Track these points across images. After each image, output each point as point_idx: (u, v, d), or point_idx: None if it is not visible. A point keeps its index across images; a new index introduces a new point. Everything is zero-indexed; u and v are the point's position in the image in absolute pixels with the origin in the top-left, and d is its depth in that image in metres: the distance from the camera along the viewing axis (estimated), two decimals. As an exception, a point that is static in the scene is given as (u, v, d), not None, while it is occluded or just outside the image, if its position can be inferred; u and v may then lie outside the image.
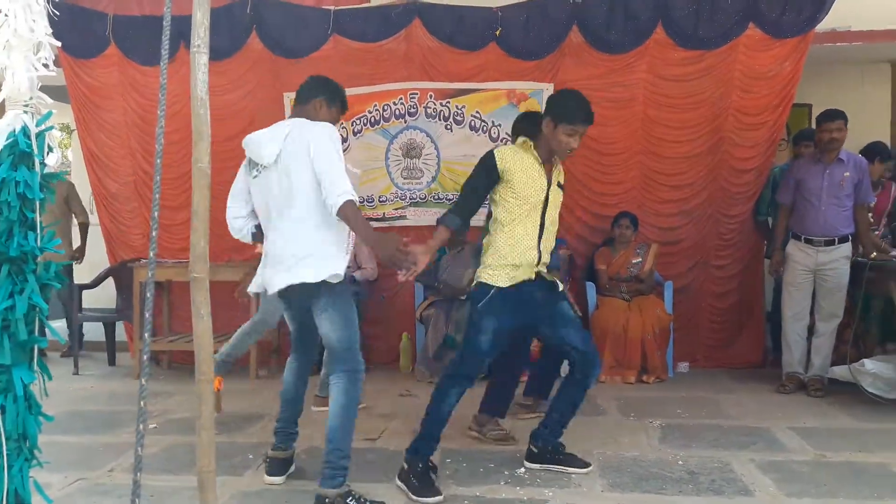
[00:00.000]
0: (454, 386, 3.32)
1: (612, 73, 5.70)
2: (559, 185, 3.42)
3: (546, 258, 3.40)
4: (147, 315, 2.11)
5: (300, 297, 3.19)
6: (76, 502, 3.18)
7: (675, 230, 5.87)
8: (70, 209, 6.54)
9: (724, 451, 3.73)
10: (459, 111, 5.95)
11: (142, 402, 2.00)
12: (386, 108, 6.03)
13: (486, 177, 3.32)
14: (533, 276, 3.35)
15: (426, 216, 6.05)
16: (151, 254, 2.10)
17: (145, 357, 2.12)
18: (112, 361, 6.43)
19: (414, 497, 3.16)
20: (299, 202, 3.09)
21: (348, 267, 3.20)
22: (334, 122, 3.35)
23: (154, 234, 2.10)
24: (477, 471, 3.49)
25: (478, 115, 5.92)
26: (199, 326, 2.82)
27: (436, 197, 6.05)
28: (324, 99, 3.33)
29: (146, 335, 2.13)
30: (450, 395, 3.32)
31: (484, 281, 3.31)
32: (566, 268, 5.65)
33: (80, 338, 6.46)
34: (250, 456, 3.73)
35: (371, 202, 6.11)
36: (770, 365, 5.72)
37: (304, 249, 3.08)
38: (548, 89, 5.74)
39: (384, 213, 6.08)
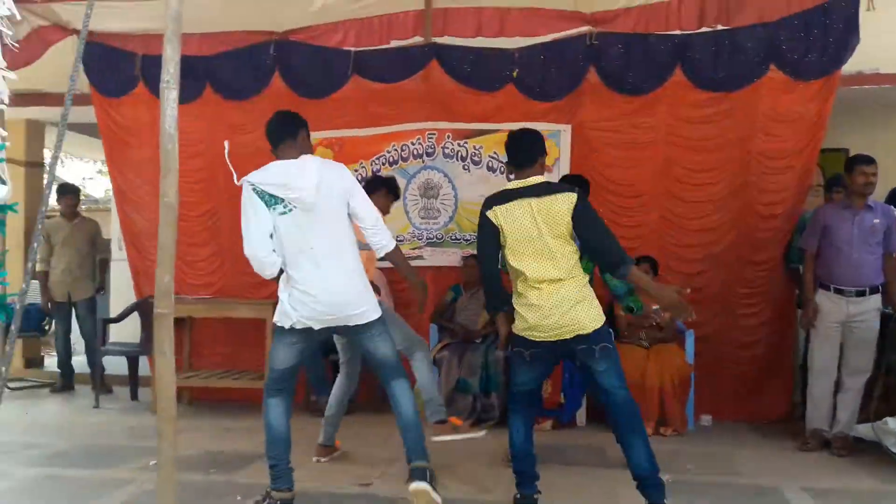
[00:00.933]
0: None
1: (631, 115, 5.60)
2: None
3: None
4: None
5: (333, 331, 3.57)
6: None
7: (698, 276, 5.62)
8: (95, 247, 6.72)
9: (726, 513, 3.53)
10: (477, 151, 5.91)
11: None
12: (404, 147, 6.03)
13: None
14: None
15: (443, 256, 6.00)
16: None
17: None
18: (134, 396, 6.47)
19: None
20: (346, 242, 3.41)
21: None
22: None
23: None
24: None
25: (495, 155, 5.86)
26: (160, 364, 2.78)
27: (453, 237, 5.99)
28: (304, 130, 3.56)
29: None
30: None
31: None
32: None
33: (102, 371, 6.51)
34: (239, 497, 3.68)
35: (388, 242, 6.08)
36: (799, 419, 5.41)
37: (359, 288, 3.42)
38: (565, 130, 5.68)
39: (401, 253, 6.03)
